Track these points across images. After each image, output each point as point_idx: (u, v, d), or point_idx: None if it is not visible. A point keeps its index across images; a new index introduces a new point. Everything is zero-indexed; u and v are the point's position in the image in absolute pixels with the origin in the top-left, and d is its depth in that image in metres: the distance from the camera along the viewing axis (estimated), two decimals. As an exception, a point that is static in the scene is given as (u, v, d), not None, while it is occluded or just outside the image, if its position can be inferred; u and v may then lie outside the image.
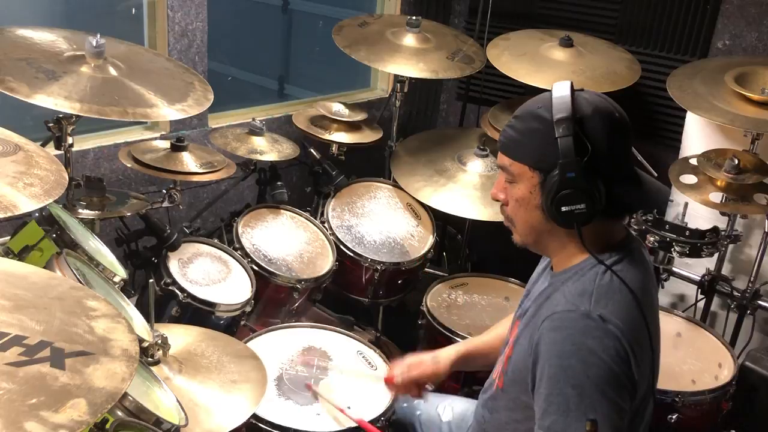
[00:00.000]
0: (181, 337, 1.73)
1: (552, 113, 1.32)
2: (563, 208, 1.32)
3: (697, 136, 2.73)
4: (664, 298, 2.82)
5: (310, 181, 2.76)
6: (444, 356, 1.78)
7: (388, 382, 1.79)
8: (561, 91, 1.35)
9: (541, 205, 1.37)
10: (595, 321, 1.28)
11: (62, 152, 1.92)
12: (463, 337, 2.16)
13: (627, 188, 1.39)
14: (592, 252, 1.36)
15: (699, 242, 2.40)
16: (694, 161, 2.42)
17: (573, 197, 1.31)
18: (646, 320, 1.33)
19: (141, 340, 1.50)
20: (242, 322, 2.22)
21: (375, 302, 2.64)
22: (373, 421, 1.74)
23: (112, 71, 1.91)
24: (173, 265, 2.14)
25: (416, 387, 1.77)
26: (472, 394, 2.03)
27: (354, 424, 1.72)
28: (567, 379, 1.26)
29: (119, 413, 1.25)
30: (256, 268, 2.29)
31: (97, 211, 2.03)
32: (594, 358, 1.25)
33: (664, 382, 1.72)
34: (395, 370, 1.78)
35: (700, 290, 2.58)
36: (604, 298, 1.31)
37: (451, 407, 1.86)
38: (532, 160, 1.37)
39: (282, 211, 2.59)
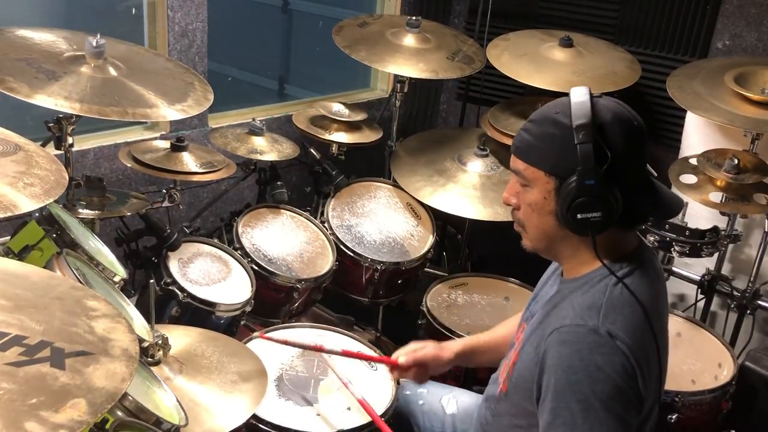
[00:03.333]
0: (181, 337, 1.73)
1: (571, 119, 1.30)
2: (579, 216, 1.31)
3: (697, 136, 2.73)
4: (664, 298, 2.83)
5: (310, 181, 2.76)
6: (450, 346, 1.78)
7: (391, 363, 1.76)
8: (580, 96, 1.33)
9: (556, 211, 1.35)
10: (603, 337, 1.27)
11: (62, 152, 1.92)
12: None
13: (642, 197, 1.37)
14: (605, 262, 1.35)
15: (699, 242, 2.40)
16: (694, 161, 2.42)
17: (590, 205, 1.30)
18: (655, 335, 1.32)
19: (141, 340, 1.50)
20: (242, 322, 2.22)
21: (375, 302, 2.64)
22: (372, 422, 1.73)
23: (112, 71, 1.91)
24: (173, 264, 2.14)
25: (418, 370, 1.75)
26: (473, 394, 2.03)
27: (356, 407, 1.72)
28: (573, 394, 1.25)
29: (119, 413, 1.25)
30: (256, 267, 2.29)
31: (97, 211, 2.03)
32: (601, 374, 1.24)
33: (664, 382, 1.72)
34: (398, 352, 1.76)
35: (700, 290, 2.58)
36: (613, 312, 1.30)
37: (456, 400, 1.85)
38: (549, 165, 1.35)
39: (282, 211, 2.59)
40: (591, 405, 1.23)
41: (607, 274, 1.35)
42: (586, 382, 1.25)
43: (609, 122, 1.32)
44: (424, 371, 1.76)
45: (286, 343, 1.83)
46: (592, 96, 1.34)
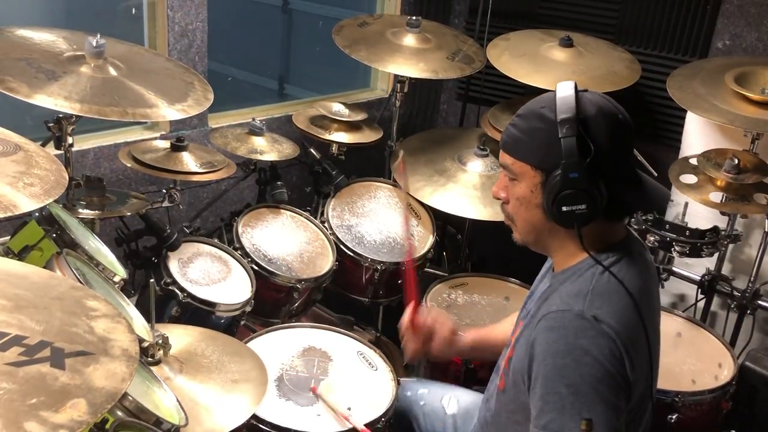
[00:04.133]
0: (181, 337, 1.73)
1: (556, 113, 1.32)
2: (564, 208, 1.33)
3: (697, 136, 2.73)
4: (664, 298, 2.82)
5: (310, 181, 2.76)
6: (463, 335, 1.78)
7: (413, 308, 1.77)
8: (565, 91, 1.35)
9: (542, 205, 1.37)
10: (588, 321, 1.28)
11: (62, 152, 1.92)
12: (463, 337, 2.16)
13: (628, 190, 1.39)
14: (591, 252, 1.36)
15: (699, 242, 2.40)
16: (694, 161, 2.42)
17: (574, 198, 1.32)
18: (644, 322, 1.33)
19: (141, 340, 1.50)
20: (242, 322, 2.22)
21: (375, 302, 2.64)
22: (373, 422, 1.73)
23: (112, 71, 1.91)
24: (173, 264, 2.14)
25: (427, 341, 1.75)
26: (472, 394, 2.03)
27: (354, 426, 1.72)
28: (561, 379, 1.26)
29: (119, 413, 1.25)
30: (256, 267, 2.29)
31: (97, 211, 2.03)
32: (588, 357, 1.25)
33: (664, 382, 1.72)
34: (422, 312, 1.76)
35: (700, 290, 2.58)
36: (599, 298, 1.31)
37: (457, 399, 1.86)
38: (535, 159, 1.37)
39: (282, 211, 2.59)
40: (579, 389, 1.24)
41: (594, 264, 1.37)
42: (573, 366, 1.26)
43: (593, 116, 1.33)
44: (428, 342, 1.76)
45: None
46: (577, 90, 1.35)
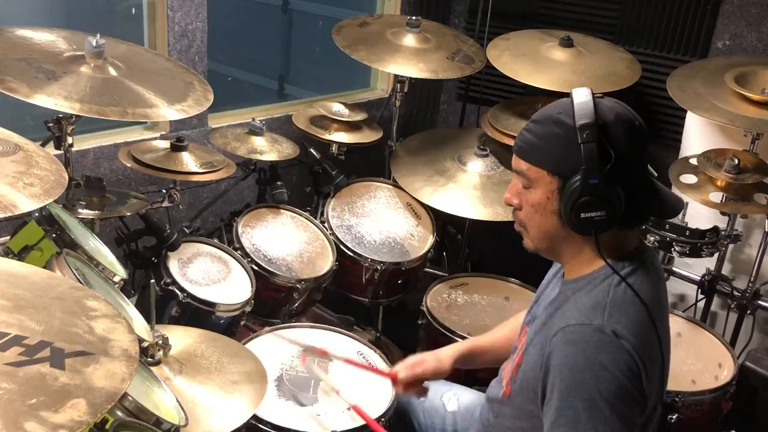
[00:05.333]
0: (181, 338, 1.73)
1: (574, 119, 1.31)
2: (583, 215, 1.31)
3: (697, 136, 2.73)
4: (664, 298, 2.83)
5: (310, 181, 2.76)
6: (446, 354, 1.77)
7: (392, 378, 1.77)
8: (582, 96, 1.33)
9: (559, 211, 1.36)
10: (608, 336, 1.27)
11: (62, 152, 1.92)
12: (463, 337, 2.16)
13: (644, 196, 1.38)
14: (608, 261, 1.35)
15: (699, 242, 2.40)
16: (694, 161, 2.42)
17: (594, 204, 1.30)
18: (658, 333, 1.33)
19: (141, 340, 1.50)
20: (242, 322, 2.22)
21: (375, 302, 2.64)
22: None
23: (112, 71, 1.91)
24: (173, 265, 2.14)
25: (418, 385, 1.76)
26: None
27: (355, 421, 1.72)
28: (578, 393, 1.26)
29: (119, 413, 1.25)
30: (256, 268, 2.29)
31: (97, 211, 2.03)
32: (606, 373, 1.25)
33: (664, 383, 1.72)
34: (398, 367, 1.77)
35: (700, 290, 2.58)
36: (618, 311, 1.31)
37: (457, 398, 1.86)
38: (552, 165, 1.35)
39: (282, 211, 2.59)
40: (596, 404, 1.24)
41: (610, 274, 1.35)
42: (592, 381, 1.25)
43: (612, 122, 1.32)
44: (423, 387, 1.77)
45: (295, 342, 1.89)
46: (594, 96, 1.34)
